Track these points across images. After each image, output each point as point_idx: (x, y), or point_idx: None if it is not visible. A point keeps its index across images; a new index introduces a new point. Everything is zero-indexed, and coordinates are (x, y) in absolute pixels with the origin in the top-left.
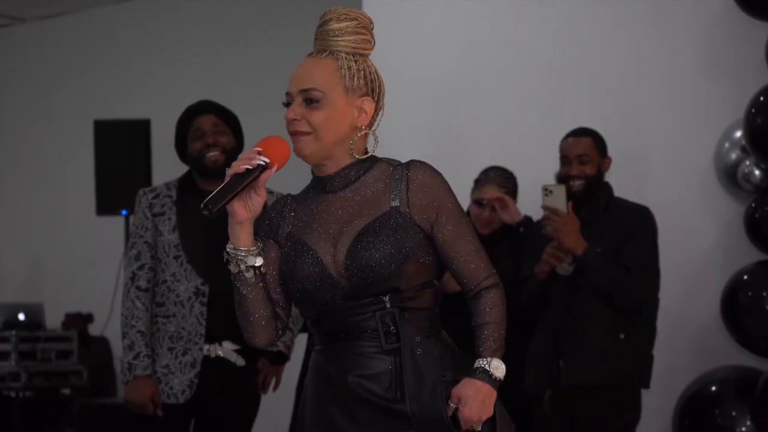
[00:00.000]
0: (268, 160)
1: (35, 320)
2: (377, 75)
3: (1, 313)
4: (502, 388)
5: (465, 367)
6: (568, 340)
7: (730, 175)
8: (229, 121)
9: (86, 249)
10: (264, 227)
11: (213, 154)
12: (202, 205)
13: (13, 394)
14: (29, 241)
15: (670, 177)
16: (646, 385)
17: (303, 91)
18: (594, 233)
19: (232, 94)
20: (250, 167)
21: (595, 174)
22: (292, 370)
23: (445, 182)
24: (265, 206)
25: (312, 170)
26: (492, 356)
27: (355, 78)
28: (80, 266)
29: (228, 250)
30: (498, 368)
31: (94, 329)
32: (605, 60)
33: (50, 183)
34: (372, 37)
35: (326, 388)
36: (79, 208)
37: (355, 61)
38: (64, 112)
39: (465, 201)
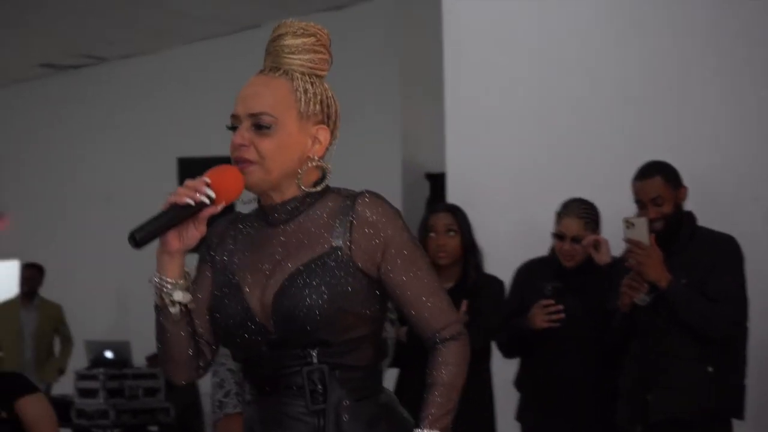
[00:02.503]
0: (213, 196)
1: (122, 358)
2: (334, 100)
3: (89, 351)
4: (595, 421)
5: None
6: (654, 373)
7: None
8: None
9: None
10: (202, 251)
11: None
12: (128, 234)
13: None
14: (116, 279)
15: (754, 205)
16: (740, 416)
17: (252, 115)
18: (679, 264)
19: None
20: (192, 203)
21: (672, 211)
22: None
23: (397, 217)
24: (210, 222)
25: (258, 198)
26: (431, 427)
27: (311, 103)
28: None
29: (153, 279)
30: None
31: None
32: (681, 90)
33: (136, 221)
34: (330, 56)
35: None
36: None
37: (311, 83)
38: (147, 150)
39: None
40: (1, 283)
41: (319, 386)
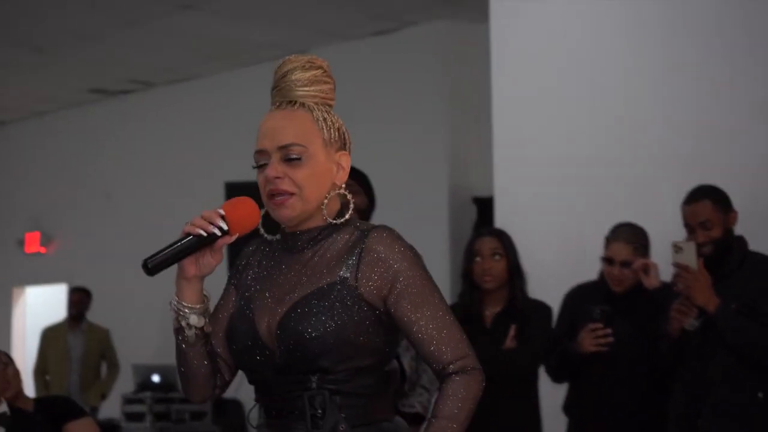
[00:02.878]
0: (226, 228)
1: (169, 381)
2: (346, 128)
3: (136, 374)
4: None
5: None
6: (703, 399)
7: None
8: (361, 181)
9: None
10: (232, 272)
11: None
12: (142, 262)
13: None
14: (163, 303)
15: None
16: None
17: (282, 147)
18: (729, 288)
19: (361, 154)
20: (204, 234)
21: (722, 235)
22: None
23: (407, 252)
24: (243, 243)
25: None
26: None
27: (332, 130)
28: None
29: (172, 302)
30: None
31: (227, 391)
32: (726, 115)
33: None
34: (334, 85)
35: None
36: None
37: (328, 113)
38: (194, 174)
39: (595, 256)
40: (49, 306)
41: (319, 411)
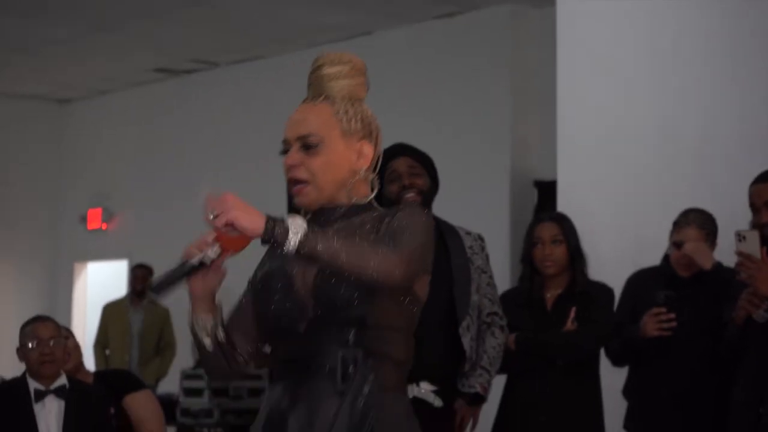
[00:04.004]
0: (218, 255)
1: None
2: (374, 119)
3: (195, 350)
4: None
5: None
6: (766, 387)
7: None
8: (425, 163)
9: None
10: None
11: (410, 195)
12: (149, 288)
13: (205, 431)
14: (222, 282)
15: None
16: None
17: (300, 137)
18: None
19: (423, 136)
20: (197, 263)
21: None
22: (488, 412)
23: (418, 225)
24: None
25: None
26: (311, 230)
27: (353, 121)
28: None
29: (188, 319)
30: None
31: None
32: None
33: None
34: (366, 81)
35: (271, 425)
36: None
37: (351, 105)
38: (259, 155)
39: (662, 244)
40: (109, 283)
41: (351, 369)
